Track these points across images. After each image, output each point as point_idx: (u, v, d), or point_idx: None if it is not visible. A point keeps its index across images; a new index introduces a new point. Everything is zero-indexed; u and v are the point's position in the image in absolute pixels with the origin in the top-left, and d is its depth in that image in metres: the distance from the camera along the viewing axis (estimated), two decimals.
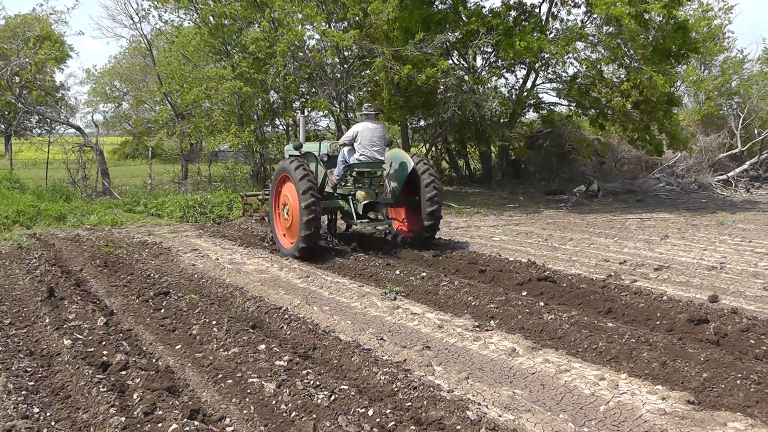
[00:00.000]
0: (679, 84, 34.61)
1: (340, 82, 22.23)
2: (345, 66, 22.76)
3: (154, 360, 6.76)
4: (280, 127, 25.05)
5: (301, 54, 21.49)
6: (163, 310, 8.39)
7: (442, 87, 21.71)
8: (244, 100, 21.93)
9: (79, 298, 8.94)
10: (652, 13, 20.39)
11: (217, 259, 12.40)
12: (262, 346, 6.79)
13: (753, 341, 7.07)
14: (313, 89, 22.51)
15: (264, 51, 21.24)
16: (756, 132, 31.47)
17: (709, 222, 17.91)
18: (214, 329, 7.41)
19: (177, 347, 7.10)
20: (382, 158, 12.85)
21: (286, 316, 8.17)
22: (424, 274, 10.53)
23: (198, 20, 23.02)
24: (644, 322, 7.87)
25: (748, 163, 30.03)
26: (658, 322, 7.79)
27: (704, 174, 28.60)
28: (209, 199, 19.36)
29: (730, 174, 28.98)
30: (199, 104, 23.10)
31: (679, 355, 6.64)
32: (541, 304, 8.56)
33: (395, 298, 9.29)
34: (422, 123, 26.65)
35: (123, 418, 5.08)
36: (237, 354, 6.63)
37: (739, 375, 6.11)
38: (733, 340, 7.13)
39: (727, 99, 33.97)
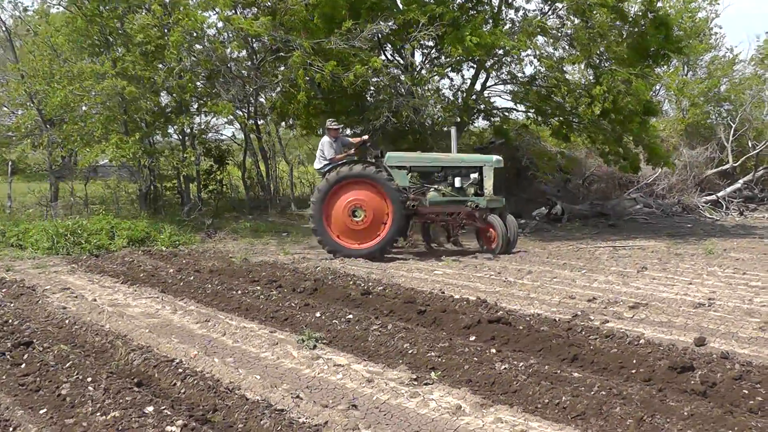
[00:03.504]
0: (658, 88, 35.46)
1: (249, 81, 22.18)
2: (254, 61, 22.76)
3: (10, 430, 6.59)
4: (174, 135, 24.84)
5: (199, 46, 21.41)
6: (23, 366, 8.18)
7: (373, 88, 21.87)
8: (128, 102, 21.62)
9: None
10: (626, 2, 20.90)
11: (95, 300, 12.19)
12: (150, 408, 6.67)
13: (747, 391, 7.19)
14: (215, 89, 22.38)
15: (154, 42, 21.05)
16: (750, 145, 32.18)
17: (696, 250, 18.31)
18: (90, 388, 7.26)
19: (41, 412, 6.93)
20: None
21: (180, 371, 8.05)
22: (351, 316, 10.51)
23: (68, 3, 22.65)
24: (617, 371, 7.97)
25: (741, 181, 30.83)
26: (633, 371, 7.90)
27: (689, 194, 29.27)
28: (85, 226, 19.05)
29: (720, 194, 29.70)
30: (72, 108, 22.74)
31: (658, 410, 6.73)
32: (493, 351, 8.61)
33: (315, 347, 9.25)
34: (349, 132, 26.76)
35: None
36: (118, 419, 6.50)
37: None
38: (723, 390, 7.25)
39: (716, 106, 34.78)
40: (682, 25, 29.80)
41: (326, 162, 17.65)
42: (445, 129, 23.73)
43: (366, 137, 18.66)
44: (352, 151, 17.98)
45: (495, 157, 18.36)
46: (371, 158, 17.92)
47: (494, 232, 17.63)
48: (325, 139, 17.92)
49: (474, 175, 18.11)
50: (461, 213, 17.70)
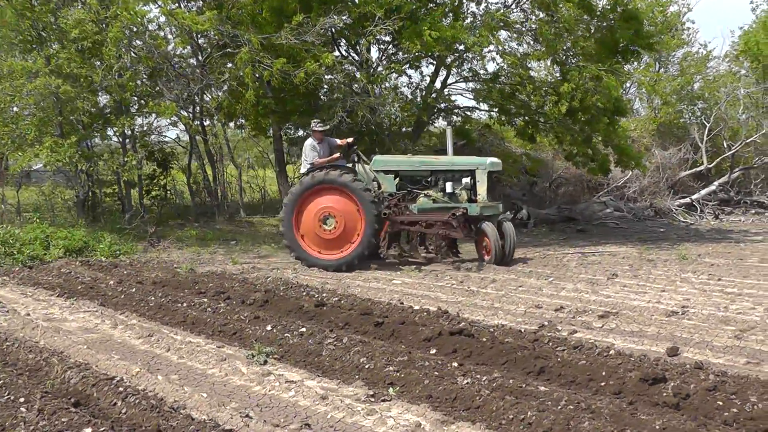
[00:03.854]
0: (628, 86, 35.75)
1: (194, 79, 22.10)
2: (199, 58, 22.68)
3: None
4: (114, 138, 24.67)
5: (140, 42, 21.27)
6: None
7: (326, 86, 21.85)
8: (63, 103, 21.38)
9: None
10: None
11: (28, 315, 12.08)
12: (88, 430, 6.63)
13: (721, 402, 7.28)
14: (158, 88, 22.24)
15: (91, 38, 20.86)
16: (725, 145, 32.41)
17: (669, 256, 18.49)
18: (22, 409, 7.20)
19: None
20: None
21: (121, 389, 7.99)
22: (304, 329, 10.50)
23: None
24: (586, 384, 8.05)
25: (716, 183, 31.10)
26: (603, 383, 7.97)
27: (662, 197, 29.55)
28: (18, 235, 18.85)
29: (694, 197, 29.98)
30: (2, 109, 22.47)
31: (629, 424, 6.78)
32: (455, 364, 8.66)
33: (266, 362, 9.23)
34: (301, 133, 26.74)
35: None
36: None
37: None
38: (696, 402, 7.34)
39: (689, 104, 35.09)
40: (653, 20, 29.99)
41: (309, 166, 17.63)
42: (404, 130, 23.84)
43: (351, 139, 18.41)
44: (337, 155, 17.85)
45: (489, 160, 18.05)
46: (356, 162, 17.97)
47: (489, 242, 17.22)
48: (309, 141, 17.95)
49: (466, 180, 17.77)
50: (439, 222, 17.32)
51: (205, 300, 12.76)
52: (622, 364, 8.47)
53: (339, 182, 17.10)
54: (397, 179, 17.95)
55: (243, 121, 25.51)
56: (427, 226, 17.42)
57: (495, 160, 18.26)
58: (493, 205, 17.59)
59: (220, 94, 23.73)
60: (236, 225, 24.60)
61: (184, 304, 12.45)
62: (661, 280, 14.98)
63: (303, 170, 17.93)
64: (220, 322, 11.19)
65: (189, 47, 22.88)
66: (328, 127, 18.79)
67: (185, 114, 23.70)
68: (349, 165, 17.80)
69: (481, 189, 17.59)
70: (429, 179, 18.08)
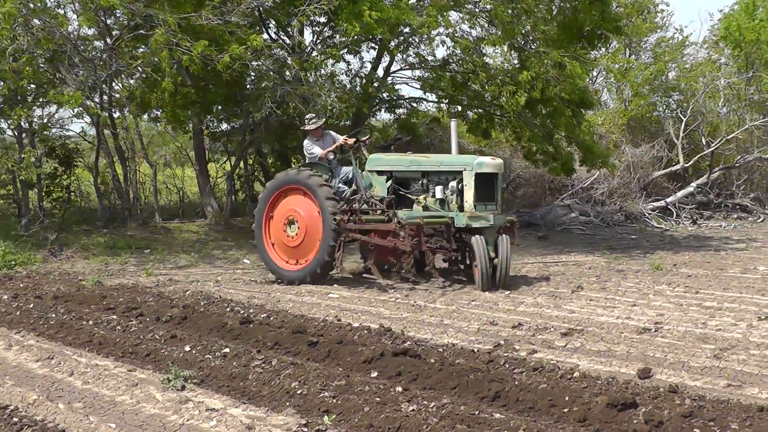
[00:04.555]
0: (595, 75, 36.05)
1: (101, 65, 21.90)
2: (108, 41, 22.50)
3: None
4: (8, 131, 24.35)
5: (39, 21, 21.03)
6: None
7: (254, 74, 21.78)
8: None
9: None
10: None
11: None
12: None
13: (698, 430, 7.35)
14: (59, 75, 22.03)
15: None
16: (704, 142, 32.76)
17: (641, 266, 18.70)
18: None
19: None
20: None
21: (16, 420, 7.94)
22: (228, 349, 10.49)
23: None
24: (547, 410, 8.07)
25: (694, 184, 31.45)
26: (566, 410, 8.01)
27: (633, 200, 29.80)
28: None
29: (669, 199, 30.29)
30: None
31: None
32: (399, 389, 8.67)
33: (184, 387, 9.16)
34: (225, 126, 26.67)
35: None
36: None
37: None
38: (671, 429, 7.39)
39: (663, 96, 35.39)
40: (622, 0, 30.36)
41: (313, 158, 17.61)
42: (342, 124, 23.82)
43: (352, 140, 17.94)
44: (340, 141, 17.61)
45: (478, 160, 16.78)
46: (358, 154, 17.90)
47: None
48: (305, 141, 17.95)
49: (453, 184, 16.67)
50: (392, 233, 16.05)
51: (115, 317, 12.68)
52: (588, 387, 8.54)
53: (296, 180, 17.11)
54: (390, 181, 17.30)
55: (158, 112, 25.29)
56: (382, 236, 16.32)
57: (487, 159, 17.04)
58: (482, 216, 16.13)
59: (131, 81, 23.56)
60: (150, 231, 24.41)
61: (90, 322, 12.36)
62: (632, 293, 15.12)
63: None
64: (131, 342, 11.11)
65: (96, 29, 22.64)
66: (323, 122, 18.62)
67: (92, 104, 23.43)
68: (344, 166, 17.73)
69: (468, 194, 16.37)
70: (421, 182, 17.34)
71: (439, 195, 16.81)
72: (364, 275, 17.72)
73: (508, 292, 15.28)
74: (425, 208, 16.82)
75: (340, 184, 17.46)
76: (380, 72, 25.15)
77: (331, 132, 18.36)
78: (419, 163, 17.47)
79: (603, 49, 28.24)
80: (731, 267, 18.51)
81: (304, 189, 16.93)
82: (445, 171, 17.04)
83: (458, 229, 16.50)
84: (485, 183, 16.48)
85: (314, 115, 18.34)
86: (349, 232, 16.46)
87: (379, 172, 17.33)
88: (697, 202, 31.05)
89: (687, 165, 32.06)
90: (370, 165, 17.43)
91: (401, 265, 16.50)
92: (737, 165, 32.07)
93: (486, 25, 23.78)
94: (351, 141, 17.75)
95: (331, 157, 17.66)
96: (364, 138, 18.24)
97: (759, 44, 32.89)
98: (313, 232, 16.73)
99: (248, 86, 22.65)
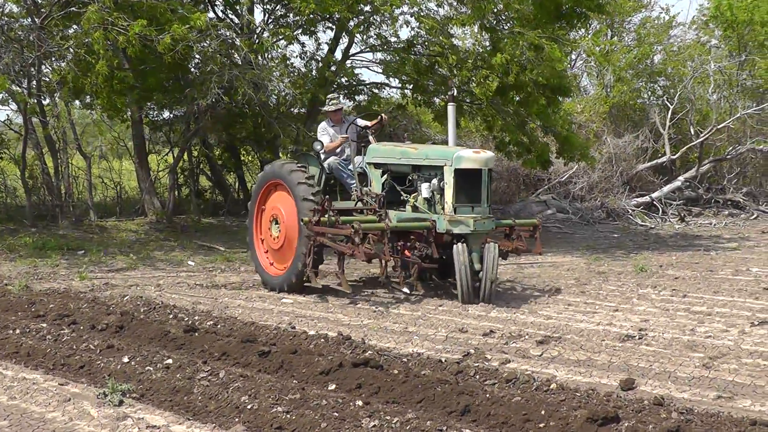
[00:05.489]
0: (574, 58, 36.12)
1: (28, 45, 21.78)
2: (36, 19, 22.37)
3: None
4: None
5: None
6: None
7: (198, 57, 21.70)
8: None
9: None
10: None
11: None
12: None
13: None
14: None
15: None
16: (692, 132, 32.92)
17: (624, 268, 18.80)
18: None
19: None
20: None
21: None
22: (170, 360, 10.46)
23: None
24: (521, 426, 8.07)
25: (681, 178, 31.63)
26: (542, 425, 8.01)
27: (616, 195, 29.92)
28: None
29: (655, 195, 30.44)
30: None
31: None
32: (359, 403, 8.65)
33: (122, 402, 9.13)
34: (166, 115, 26.60)
35: None
36: None
37: None
38: None
39: (648, 81, 35.58)
40: None
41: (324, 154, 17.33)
42: (296, 111, 23.75)
43: (382, 117, 17.58)
44: (342, 138, 17.31)
45: (457, 153, 15.44)
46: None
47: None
48: (321, 124, 17.94)
49: (434, 181, 15.61)
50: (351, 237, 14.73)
51: (45, 325, 12.62)
52: (566, 400, 8.57)
53: (277, 174, 16.73)
54: (386, 176, 16.59)
55: (93, 99, 25.19)
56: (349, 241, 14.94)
57: (468, 153, 15.62)
58: (461, 220, 15.03)
59: (63, 64, 23.39)
60: (84, 230, 24.31)
61: (17, 331, 12.29)
62: (614, 297, 15.21)
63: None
64: (63, 353, 11.05)
65: (22, 5, 22.52)
66: (342, 106, 18.63)
67: (18, 90, 23.32)
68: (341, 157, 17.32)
69: (448, 194, 15.26)
70: (410, 177, 16.46)
71: (425, 194, 15.81)
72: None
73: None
74: (414, 208, 16.06)
75: (350, 180, 17.06)
76: (338, 55, 25.12)
77: (358, 119, 17.95)
78: (408, 156, 16.49)
79: (583, 31, 28.32)
80: (722, 268, 18.65)
81: (285, 185, 16.46)
82: (429, 166, 16.05)
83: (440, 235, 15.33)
84: (468, 181, 15.23)
85: (337, 95, 18.25)
86: (317, 236, 15.30)
87: (376, 165, 16.77)
88: (685, 198, 31.24)
89: (674, 157, 32.25)
90: (368, 157, 16.97)
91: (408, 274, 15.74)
92: (728, 157, 32.29)
93: (455, 3, 23.77)
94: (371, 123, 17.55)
95: (340, 153, 17.45)
96: (374, 122, 17.57)
97: (752, 25, 33.05)
98: (292, 234, 16.18)
99: (192, 70, 22.60)
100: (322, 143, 17.10)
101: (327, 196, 15.96)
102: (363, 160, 17.07)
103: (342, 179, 17.27)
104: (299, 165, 16.62)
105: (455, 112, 17.29)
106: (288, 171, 16.32)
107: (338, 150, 17.45)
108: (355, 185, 16.83)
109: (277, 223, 16.61)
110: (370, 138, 17.29)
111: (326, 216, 15.17)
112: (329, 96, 18.03)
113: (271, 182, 16.89)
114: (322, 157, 17.19)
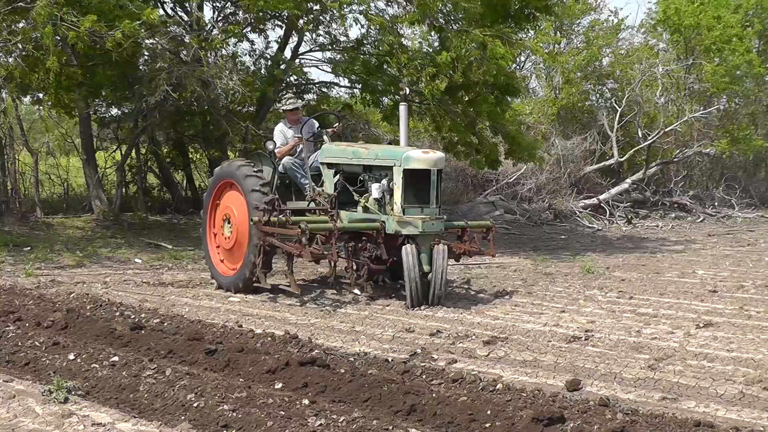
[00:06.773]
0: (523, 60, 36.26)
1: None
2: None
3: None
4: None
5: None
6: None
7: (147, 53, 21.59)
8: None
9: None
10: None
11: None
12: None
13: None
14: None
15: None
16: (640, 134, 33.10)
17: (571, 269, 18.90)
18: None
19: None
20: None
21: None
22: (117, 358, 10.40)
23: None
24: (467, 426, 8.10)
25: (629, 180, 31.84)
26: (488, 425, 8.03)
27: (564, 197, 30.05)
28: None
29: (602, 197, 30.63)
30: None
31: None
32: (306, 402, 8.64)
33: (67, 399, 9.05)
34: (115, 112, 26.43)
35: None
36: None
37: None
38: None
39: (596, 84, 35.77)
40: None
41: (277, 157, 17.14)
42: (245, 110, 23.68)
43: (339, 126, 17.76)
44: (293, 142, 17.26)
45: (406, 153, 15.24)
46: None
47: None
48: (278, 125, 17.91)
49: (384, 182, 15.40)
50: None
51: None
52: (512, 400, 8.60)
53: (228, 173, 16.65)
54: (338, 176, 16.40)
55: (41, 95, 24.99)
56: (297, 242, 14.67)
57: (416, 153, 15.41)
58: (409, 221, 14.86)
59: (10, 60, 23.20)
60: (31, 227, 24.14)
61: None
62: (560, 298, 15.29)
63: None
64: (8, 350, 10.97)
65: None
66: (300, 104, 18.46)
67: None
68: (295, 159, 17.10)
69: (397, 195, 15.07)
70: (361, 177, 16.25)
71: (375, 194, 15.51)
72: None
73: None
74: (365, 209, 15.82)
75: (303, 180, 16.96)
76: (288, 53, 25.04)
77: (310, 120, 17.79)
78: (360, 156, 16.25)
79: (532, 32, 28.40)
80: (668, 271, 18.80)
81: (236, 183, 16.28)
82: (379, 166, 15.84)
83: (389, 236, 15.09)
84: (417, 181, 15.09)
85: (292, 96, 18.35)
86: (266, 237, 15.12)
87: (329, 165, 16.56)
88: (632, 200, 31.47)
89: (622, 159, 32.42)
90: (321, 157, 16.80)
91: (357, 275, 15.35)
92: (676, 160, 32.57)
93: (404, 2, 23.76)
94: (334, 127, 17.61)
95: (295, 153, 17.35)
96: (334, 126, 17.79)
97: (699, 29, 33.32)
98: (243, 234, 15.97)
99: (141, 67, 22.42)
100: (275, 143, 17.07)
101: (277, 197, 15.85)
102: (317, 160, 16.95)
103: (296, 179, 17.13)
104: (253, 167, 16.36)
105: (407, 112, 17.12)
106: (243, 175, 16.02)
107: (293, 150, 17.35)
108: (308, 185, 16.72)
109: (229, 222, 16.43)
110: (325, 138, 17.18)
111: (275, 216, 15.06)
112: (286, 96, 17.88)
113: (225, 181, 16.75)
114: (276, 156, 17.06)
